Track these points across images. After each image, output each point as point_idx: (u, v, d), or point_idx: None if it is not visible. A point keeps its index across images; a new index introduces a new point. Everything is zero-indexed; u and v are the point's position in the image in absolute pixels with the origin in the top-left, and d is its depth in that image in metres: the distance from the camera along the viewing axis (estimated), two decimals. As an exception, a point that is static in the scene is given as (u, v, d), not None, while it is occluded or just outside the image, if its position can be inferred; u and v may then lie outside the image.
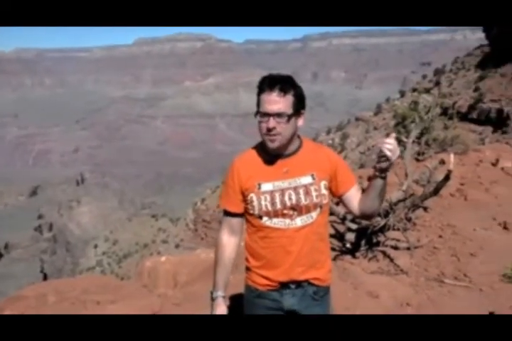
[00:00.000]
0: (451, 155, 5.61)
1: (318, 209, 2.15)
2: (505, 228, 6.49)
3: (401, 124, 10.52)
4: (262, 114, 2.05)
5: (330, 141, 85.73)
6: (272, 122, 2.02)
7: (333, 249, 5.81)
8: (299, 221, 2.14)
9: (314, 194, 2.12)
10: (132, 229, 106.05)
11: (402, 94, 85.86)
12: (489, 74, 70.00)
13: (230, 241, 2.28)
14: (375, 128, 73.93)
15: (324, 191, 2.15)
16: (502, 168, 9.67)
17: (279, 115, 2.02)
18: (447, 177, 5.46)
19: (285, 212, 2.12)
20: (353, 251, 5.68)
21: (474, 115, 62.77)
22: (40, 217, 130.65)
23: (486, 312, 4.24)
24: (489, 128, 58.99)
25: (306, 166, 2.15)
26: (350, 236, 5.70)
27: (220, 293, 2.25)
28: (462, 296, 4.68)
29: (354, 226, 5.62)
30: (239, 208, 2.23)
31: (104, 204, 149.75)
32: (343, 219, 5.71)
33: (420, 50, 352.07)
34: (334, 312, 2.48)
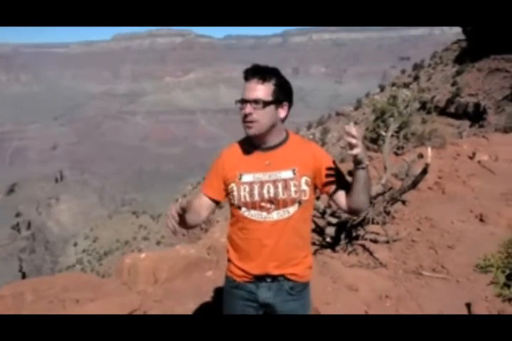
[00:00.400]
0: (429, 149, 5.66)
1: (297, 205, 2.15)
2: (481, 220, 6.59)
3: (380, 119, 10.58)
4: (241, 101, 2.08)
5: (311, 136, 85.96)
6: (248, 108, 2.06)
7: (313, 243, 5.85)
8: (275, 214, 2.14)
9: (293, 189, 2.13)
10: (113, 226, 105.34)
11: (382, 88, 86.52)
12: (466, 69, 70.87)
13: (199, 210, 2.26)
14: (356, 123, 74.52)
15: (305, 187, 2.15)
16: (479, 161, 9.81)
17: (255, 101, 2.05)
18: (425, 171, 5.51)
19: (263, 204, 2.14)
20: (333, 245, 5.72)
21: (452, 109, 63.64)
22: (17, 215, 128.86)
23: (463, 303, 4.32)
24: (467, 122, 59.82)
25: (288, 160, 2.15)
26: (330, 231, 5.74)
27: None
28: (440, 288, 4.75)
29: (334, 220, 5.66)
30: (218, 195, 2.25)
31: (83, 202, 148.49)
32: (323, 214, 5.74)
33: (399, 45, 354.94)
34: (312, 307, 2.48)
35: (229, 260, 2.31)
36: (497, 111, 58.08)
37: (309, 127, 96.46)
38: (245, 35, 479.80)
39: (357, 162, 2.04)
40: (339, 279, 4.74)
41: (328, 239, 5.76)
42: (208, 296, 4.35)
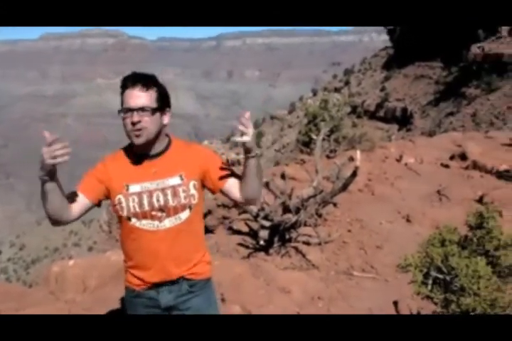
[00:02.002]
0: (358, 153, 5.81)
1: (188, 210, 2.15)
2: (408, 221, 6.86)
3: (312, 122, 10.78)
4: (125, 110, 2.03)
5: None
6: (135, 116, 2.00)
7: (246, 247, 5.86)
8: (167, 222, 2.13)
9: (182, 195, 2.12)
10: (41, 232, 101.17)
11: (315, 92, 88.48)
12: (394, 75, 73.78)
13: (71, 204, 2.09)
14: (290, 126, 75.66)
15: (193, 191, 2.14)
16: (405, 164, 10.22)
17: (142, 109, 2.01)
18: (354, 174, 5.65)
19: (153, 213, 2.11)
20: (266, 248, 5.74)
21: (381, 113, 66.11)
22: None
23: (391, 302, 4.46)
24: (395, 126, 62.25)
25: (174, 167, 2.13)
26: (264, 234, 5.76)
27: None
28: (369, 287, 4.89)
29: (267, 223, 5.68)
30: (93, 198, 2.12)
31: (9, 208, 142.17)
32: (256, 217, 5.75)
33: (330, 50, 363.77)
34: (217, 301, 2.45)
35: (125, 270, 2.27)
36: (422, 115, 60.83)
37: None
38: (179, 37, 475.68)
39: (247, 150, 2.05)
40: (272, 282, 4.76)
41: (261, 242, 5.78)
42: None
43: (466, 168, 10.02)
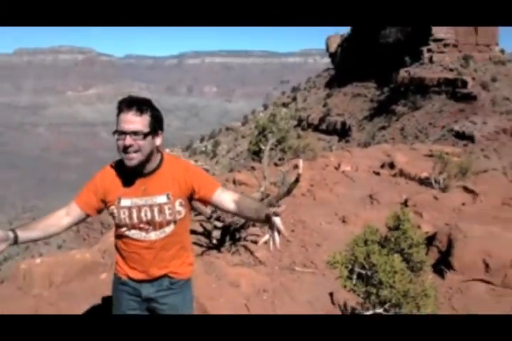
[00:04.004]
0: (301, 161, 5.86)
1: (172, 225, 2.14)
2: (343, 221, 6.98)
3: (262, 134, 10.82)
4: (119, 133, 1.97)
5: (203, 148, 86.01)
6: (128, 140, 1.95)
7: (200, 245, 5.80)
8: (153, 235, 2.14)
9: (168, 212, 2.11)
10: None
11: (266, 107, 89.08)
12: (334, 93, 75.20)
13: (60, 219, 2.10)
14: (243, 137, 75.84)
15: (179, 208, 2.12)
16: (343, 171, 10.42)
17: (135, 133, 1.96)
18: (297, 180, 5.69)
19: (141, 225, 2.11)
20: (218, 247, 5.71)
21: (324, 126, 67.26)
22: None
23: (327, 293, 4.52)
24: (335, 138, 63.43)
25: (163, 186, 2.10)
26: (216, 234, 5.73)
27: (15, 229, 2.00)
28: (309, 281, 4.94)
29: (219, 224, 5.65)
30: (90, 210, 2.14)
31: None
32: (209, 218, 5.71)
33: (280, 70, 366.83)
34: (193, 300, 2.47)
35: (116, 261, 2.29)
36: (359, 129, 62.25)
37: (202, 140, 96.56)
38: (144, 55, 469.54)
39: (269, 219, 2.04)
40: (223, 277, 4.73)
41: (214, 241, 5.74)
42: (102, 297, 4.14)
43: (394, 175, 10.31)
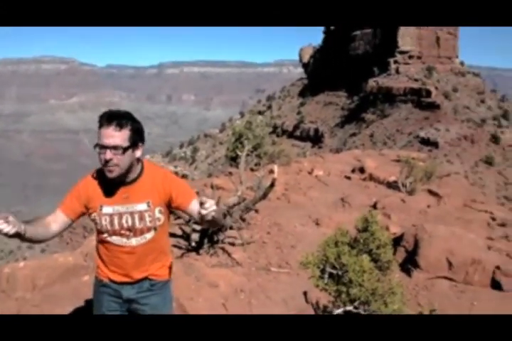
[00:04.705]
0: (275, 167, 5.91)
1: (153, 231, 2.15)
2: (317, 224, 7.02)
3: (238, 140, 10.80)
4: (100, 147, 1.96)
5: (183, 154, 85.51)
6: (108, 154, 1.94)
7: (180, 248, 5.76)
8: (134, 241, 2.14)
9: (148, 219, 2.11)
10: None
11: (242, 115, 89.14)
12: (308, 101, 75.77)
13: (48, 225, 2.06)
14: (221, 143, 75.70)
15: (159, 215, 2.13)
16: (316, 176, 10.47)
17: (115, 148, 1.94)
18: (272, 184, 5.73)
19: (122, 232, 2.12)
20: (197, 249, 5.67)
21: (298, 133, 67.69)
22: None
23: (301, 292, 4.54)
24: (309, 144, 63.86)
25: (143, 194, 2.11)
26: (195, 236, 5.69)
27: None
28: (284, 281, 4.95)
29: (198, 227, 5.62)
30: (74, 215, 2.12)
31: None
32: (188, 222, 5.68)
33: (255, 79, 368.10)
34: (173, 300, 2.47)
35: (96, 264, 2.28)
36: (331, 135, 62.87)
37: (181, 146, 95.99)
38: (125, 65, 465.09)
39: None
40: (202, 278, 4.70)
41: (193, 244, 5.71)
42: (84, 299, 4.07)
43: (364, 179, 10.42)
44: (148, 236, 2.15)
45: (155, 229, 2.15)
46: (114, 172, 1.99)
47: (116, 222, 2.09)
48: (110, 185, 2.10)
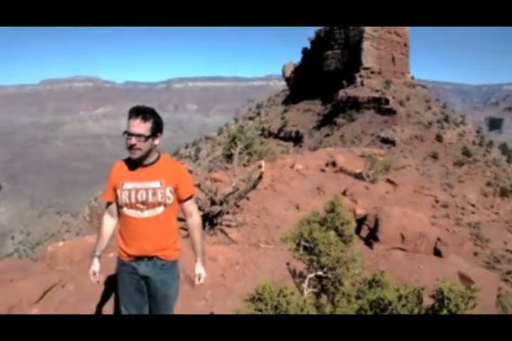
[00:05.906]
0: (263, 162, 5.94)
1: (163, 207, 2.17)
2: (297, 208, 7.05)
3: (232, 141, 10.78)
4: (127, 134, 2.07)
5: (188, 153, 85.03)
6: (133, 140, 2.06)
7: (186, 230, 5.75)
8: (146, 213, 2.16)
9: (160, 195, 2.15)
10: (42, 223, 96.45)
11: (236, 120, 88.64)
12: (290, 109, 75.45)
13: (108, 222, 2.32)
14: (219, 144, 75.38)
15: (169, 194, 2.17)
16: (297, 169, 10.48)
17: (139, 136, 2.06)
18: (261, 177, 5.76)
19: (137, 205, 2.15)
20: (200, 230, 5.69)
21: (282, 135, 67.46)
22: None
23: (285, 263, 4.58)
24: (291, 144, 63.70)
25: (158, 175, 2.16)
26: (198, 220, 5.70)
27: (96, 253, 2.33)
28: (271, 255, 4.99)
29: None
30: (112, 198, 2.24)
31: (18, 205, 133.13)
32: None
33: (247, 91, 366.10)
34: (180, 275, 2.46)
35: (118, 246, 2.30)
36: (309, 136, 62.76)
37: (186, 147, 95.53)
38: (140, 81, 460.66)
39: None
40: (205, 253, 4.73)
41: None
42: (110, 271, 4.10)
43: (336, 171, 10.44)
44: (159, 210, 2.17)
45: (165, 205, 2.17)
46: (136, 155, 2.09)
47: (133, 195, 2.13)
48: (131, 167, 2.18)
